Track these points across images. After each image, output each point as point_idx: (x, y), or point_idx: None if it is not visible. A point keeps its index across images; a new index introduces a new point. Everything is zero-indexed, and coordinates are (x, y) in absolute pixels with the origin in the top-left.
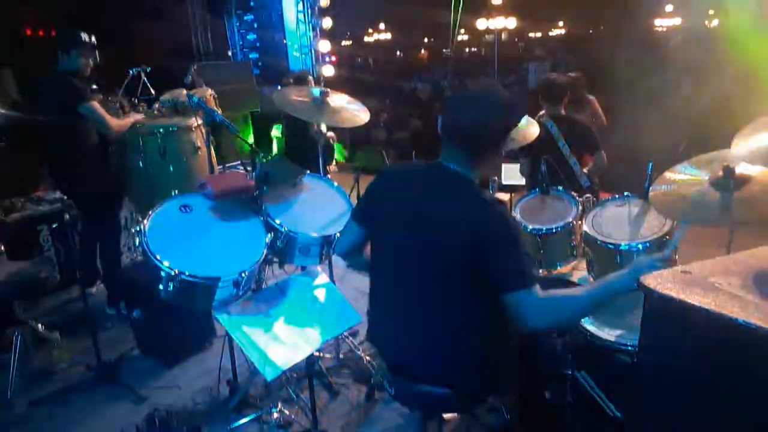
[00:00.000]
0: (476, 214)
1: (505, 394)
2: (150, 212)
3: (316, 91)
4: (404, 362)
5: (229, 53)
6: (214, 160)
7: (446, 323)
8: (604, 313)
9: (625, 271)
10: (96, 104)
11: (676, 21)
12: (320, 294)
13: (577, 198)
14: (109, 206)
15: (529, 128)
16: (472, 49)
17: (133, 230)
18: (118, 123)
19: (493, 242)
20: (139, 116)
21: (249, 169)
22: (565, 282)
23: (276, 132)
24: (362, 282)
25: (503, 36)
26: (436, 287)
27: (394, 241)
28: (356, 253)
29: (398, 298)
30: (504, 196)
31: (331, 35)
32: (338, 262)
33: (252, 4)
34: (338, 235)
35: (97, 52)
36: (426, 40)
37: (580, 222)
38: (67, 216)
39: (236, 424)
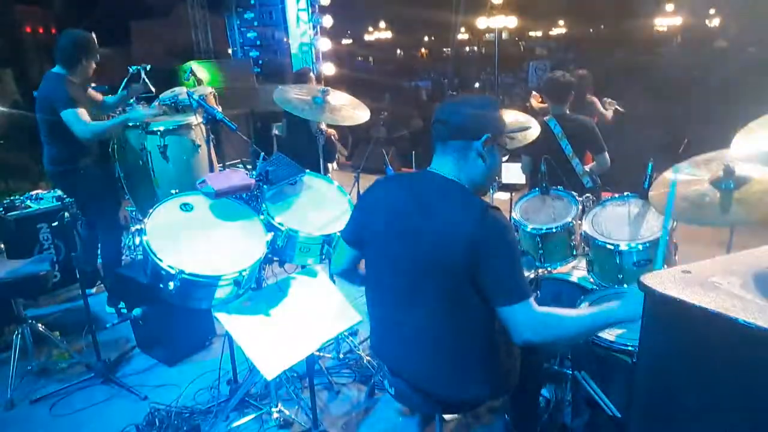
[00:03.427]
0: (471, 222)
1: (505, 396)
2: (150, 211)
3: (317, 89)
4: (408, 374)
5: (230, 51)
6: (215, 158)
7: (447, 333)
8: None
9: (620, 302)
10: (80, 111)
11: (677, 21)
12: (320, 294)
13: (577, 197)
14: (107, 207)
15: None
16: (473, 48)
17: (133, 229)
18: (96, 130)
19: (489, 252)
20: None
21: (249, 167)
22: (564, 282)
23: (276, 131)
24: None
25: (504, 35)
26: (435, 299)
27: (390, 256)
28: (352, 271)
29: (398, 311)
30: (504, 196)
31: (331, 34)
32: None
33: (252, 2)
34: (339, 234)
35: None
36: (426, 39)
37: (580, 222)
38: (67, 214)
39: (236, 423)
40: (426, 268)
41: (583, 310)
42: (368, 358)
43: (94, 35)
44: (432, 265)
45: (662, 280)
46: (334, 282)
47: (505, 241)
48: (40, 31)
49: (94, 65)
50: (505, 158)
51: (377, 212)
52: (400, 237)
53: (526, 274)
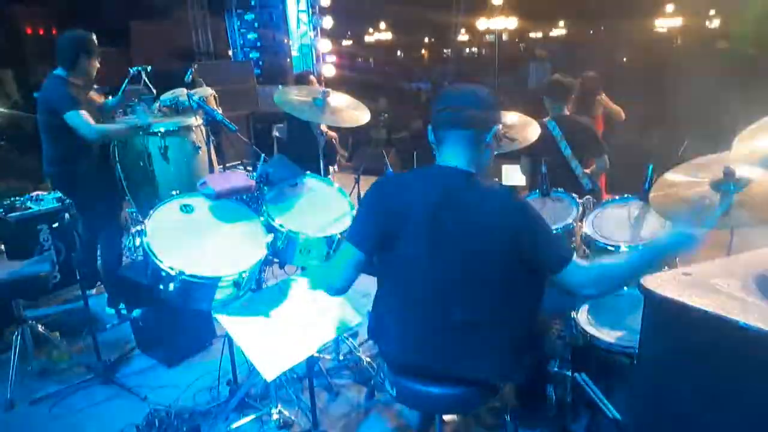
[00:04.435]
0: (507, 209)
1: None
2: (151, 212)
3: (317, 91)
4: (447, 371)
5: (230, 53)
6: (215, 159)
7: (498, 322)
8: (604, 314)
9: (663, 237)
10: (83, 114)
11: (677, 22)
12: (320, 294)
13: (577, 199)
14: (106, 208)
15: (529, 128)
16: (473, 49)
17: (133, 230)
18: (103, 133)
19: (531, 230)
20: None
21: (249, 168)
22: None
23: (277, 132)
24: (362, 282)
25: (504, 36)
26: (483, 290)
27: (425, 256)
28: (354, 278)
29: (437, 312)
30: None
31: (331, 35)
32: None
33: (252, 3)
34: (339, 236)
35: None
36: (426, 40)
37: (580, 223)
38: (67, 215)
39: (236, 424)
40: (469, 261)
41: (625, 254)
42: (368, 359)
43: (93, 35)
44: (475, 258)
45: (662, 282)
46: None
47: (537, 215)
48: (40, 31)
49: (96, 64)
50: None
51: (400, 213)
52: (434, 236)
53: None
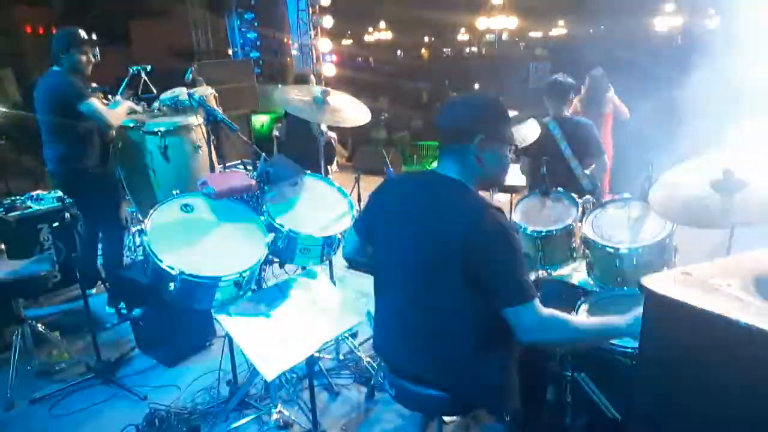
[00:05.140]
0: (469, 219)
1: (505, 405)
2: (151, 211)
3: (317, 90)
4: (409, 370)
5: (230, 52)
6: (215, 159)
7: (447, 331)
8: (603, 313)
9: (626, 317)
10: (96, 101)
11: (677, 21)
12: (320, 294)
13: (577, 200)
14: (110, 207)
15: (529, 128)
16: (473, 48)
17: (134, 230)
18: (116, 115)
19: (486, 254)
20: (131, 104)
21: (250, 168)
22: (564, 284)
23: (277, 132)
24: (362, 282)
25: (504, 36)
26: (436, 295)
27: (394, 255)
28: (361, 254)
29: (403, 308)
30: (504, 197)
31: (331, 34)
32: (338, 262)
33: (252, 2)
34: (339, 236)
35: (97, 48)
36: (426, 39)
37: (580, 224)
38: (67, 215)
39: (236, 424)
40: (426, 268)
41: (592, 319)
42: (368, 359)
43: (81, 31)
44: (432, 265)
45: (662, 282)
46: (334, 283)
47: (503, 243)
48: (40, 31)
49: (90, 59)
50: (511, 154)
51: (384, 211)
52: (403, 237)
53: None
